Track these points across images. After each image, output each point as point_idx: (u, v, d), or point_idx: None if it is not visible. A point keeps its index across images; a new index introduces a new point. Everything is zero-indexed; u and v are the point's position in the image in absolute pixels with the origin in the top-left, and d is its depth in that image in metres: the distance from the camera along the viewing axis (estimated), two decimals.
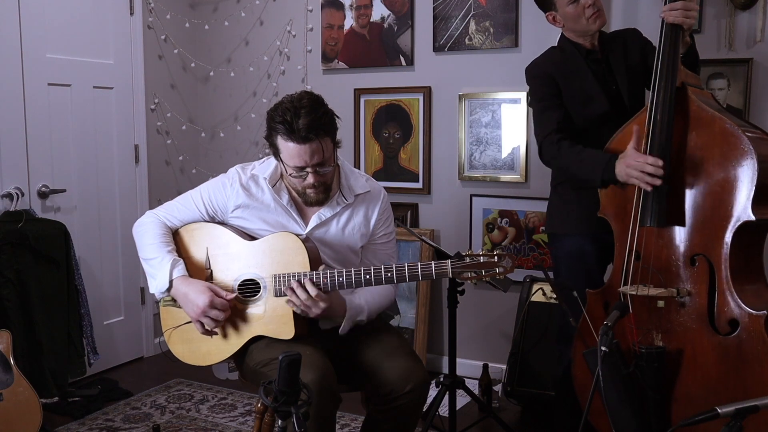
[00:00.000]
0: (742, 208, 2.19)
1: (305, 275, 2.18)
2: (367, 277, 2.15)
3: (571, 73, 2.64)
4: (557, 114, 2.61)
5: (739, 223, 2.19)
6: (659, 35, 2.38)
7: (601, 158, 2.44)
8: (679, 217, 2.31)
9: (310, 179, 2.23)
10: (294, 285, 2.15)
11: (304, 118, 2.15)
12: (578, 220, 2.68)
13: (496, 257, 2.09)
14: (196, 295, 2.22)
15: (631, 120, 2.44)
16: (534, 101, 2.72)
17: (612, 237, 2.49)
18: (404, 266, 2.14)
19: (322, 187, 2.27)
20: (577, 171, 2.54)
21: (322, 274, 2.18)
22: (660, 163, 2.25)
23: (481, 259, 2.09)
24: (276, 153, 2.26)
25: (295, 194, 2.35)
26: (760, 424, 2.04)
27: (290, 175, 2.24)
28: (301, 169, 2.21)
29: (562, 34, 2.73)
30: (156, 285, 2.30)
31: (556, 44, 2.80)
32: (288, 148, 2.18)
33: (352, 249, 2.38)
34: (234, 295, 2.26)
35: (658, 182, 2.26)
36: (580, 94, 2.62)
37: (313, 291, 2.14)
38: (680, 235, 2.31)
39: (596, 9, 2.57)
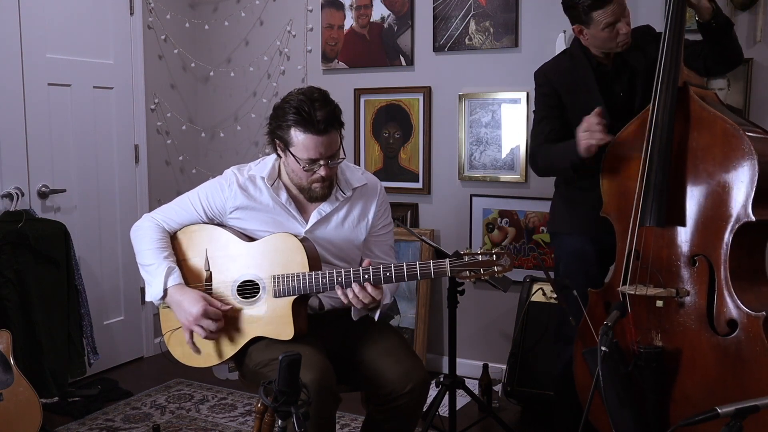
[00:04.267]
0: (743, 209, 2.18)
1: (341, 276, 2.16)
2: (366, 276, 2.15)
3: (576, 85, 2.62)
4: (550, 126, 2.65)
5: (740, 223, 2.19)
6: (664, 16, 2.35)
7: (565, 145, 2.49)
8: (680, 217, 2.31)
9: (322, 172, 2.22)
10: (356, 288, 2.14)
11: (320, 110, 2.17)
12: (579, 220, 2.69)
13: (494, 256, 2.09)
14: (190, 304, 2.22)
15: (634, 120, 2.44)
16: (535, 107, 2.75)
17: (613, 238, 2.49)
18: (403, 266, 2.13)
19: (328, 182, 2.28)
20: (554, 163, 2.60)
21: (322, 274, 2.17)
22: (596, 119, 2.34)
23: (480, 257, 2.09)
24: (284, 147, 2.24)
25: (295, 192, 2.35)
26: (760, 424, 2.04)
27: (303, 168, 2.22)
28: (314, 162, 2.21)
29: (576, 38, 2.68)
30: (151, 292, 2.30)
31: (555, 43, 2.80)
32: (304, 139, 2.18)
33: (353, 242, 2.39)
34: (229, 307, 2.26)
35: (597, 137, 2.34)
36: (583, 107, 2.60)
37: (373, 291, 2.14)
38: (680, 235, 2.31)
39: (628, 36, 2.51)
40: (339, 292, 2.16)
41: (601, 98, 2.58)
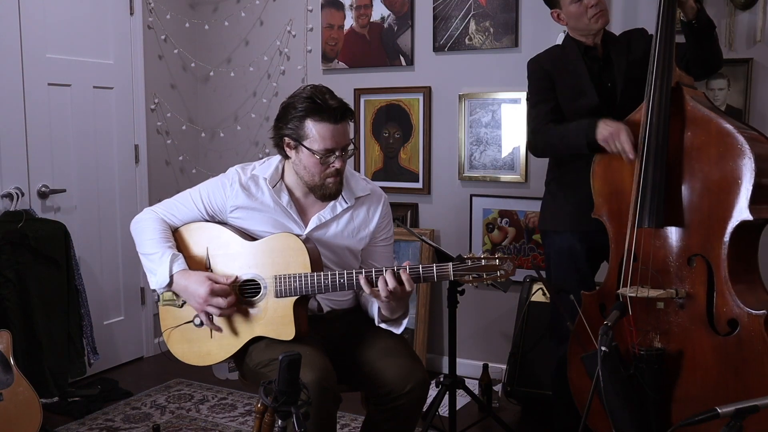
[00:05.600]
0: (740, 208, 2.19)
1: (388, 269, 2.11)
2: (368, 279, 2.15)
3: (565, 68, 2.67)
4: (548, 107, 2.66)
5: (737, 222, 2.19)
6: (656, 15, 2.38)
7: (584, 123, 2.50)
8: (677, 218, 2.31)
9: (337, 164, 2.22)
10: (388, 277, 2.08)
11: (332, 100, 2.19)
12: (568, 218, 2.71)
13: (497, 260, 2.09)
14: (196, 286, 2.21)
15: (626, 121, 2.45)
16: (529, 94, 2.77)
17: (603, 236, 2.50)
18: (405, 268, 2.13)
19: (340, 177, 2.27)
20: (564, 142, 2.59)
21: (324, 275, 2.17)
22: (632, 158, 2.34)
23: (483, 262, 2.09)
24: (297, 142, 2.22)
25: (297, 195, 2.35)
26: (760, 424, 2.04)
27: (319, 161, 2.20)
28: (330, 152, 2.20)
29: (567, 32, 2.74)
30: (156, 280, 2.29)
31: (555, 43, 2.82)
32: (320, 129, 2.17)
33: (351, 251, 2.38)
34: (233, 278, 2.25)
35: (626, 147, 2.35)
36: (572, 88, 2.64)
37: (409, 286, 2.10)
38: (677, 235, 2.31)
39: (599, 9, 2.57)
40: (380, 284, 2.09)
41: (591, 83, 2.61)
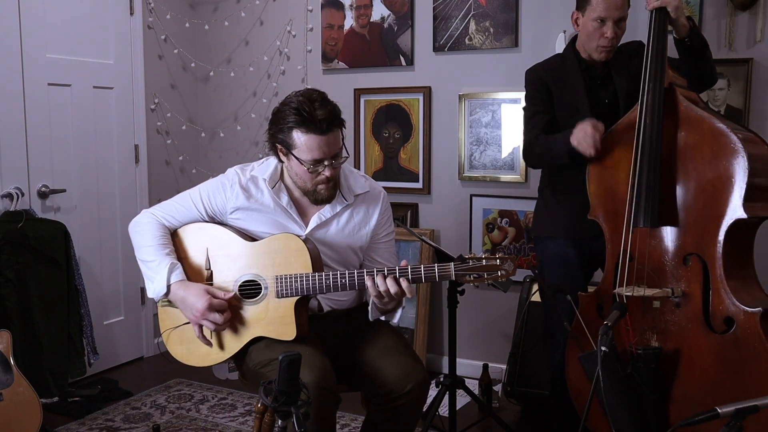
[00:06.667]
0: (735, 206, 2.20)
1: (388, 271, 2.12)
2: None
3: (564, 84, 2.66)
4: (544, 120, 2.66)
5: (732, 221, 2.20)
6: (647, 29, 2.39)
7: (564, 134, 2.51)
8: (672, 217, 2.32)
9: (327, 173, 2.21)
10: (389, 281, 2.10)
11: (321, 110, 2.16)
12: (561, 224, 2.71)
13: (498, 260, 2.10)
14: (194, 299, 2.21)
15: (620, 122, 2.45)
16: (526, 104, 2.77)
17: (596, 242, 2.50)
18: (407, 269, 2.13)
19: (332, 183, 2.26)
20: (549, 152, 2.60)
21: (325, 275, 2.17)
22: (600, 128, 2.38)
23: (484, 262, 2.10)
24: (287, 150, 2.22)
25: (297, 194, 2.34)
26: (760, 424, 2.05)
27: (307, 170, 2.21)
28: (319, 162, 2.19)
29: (571, 40, 2.72)
30: (154, 289, 2.29)
31: (555, 43, 2.81)
32: (307, 140, 2.17)
33: (352, 249, 2.38)
34: (232, 294, 2.25)
35: (592, 151, 2.39)
36: (568, 106, 2.64)
37: (405, 286, 2.11)
38: (672, 234, 2.32)
39: (610, 45, 2.56)
40: (368, 282, 2.11)
41: (587, 100, 2.61)
